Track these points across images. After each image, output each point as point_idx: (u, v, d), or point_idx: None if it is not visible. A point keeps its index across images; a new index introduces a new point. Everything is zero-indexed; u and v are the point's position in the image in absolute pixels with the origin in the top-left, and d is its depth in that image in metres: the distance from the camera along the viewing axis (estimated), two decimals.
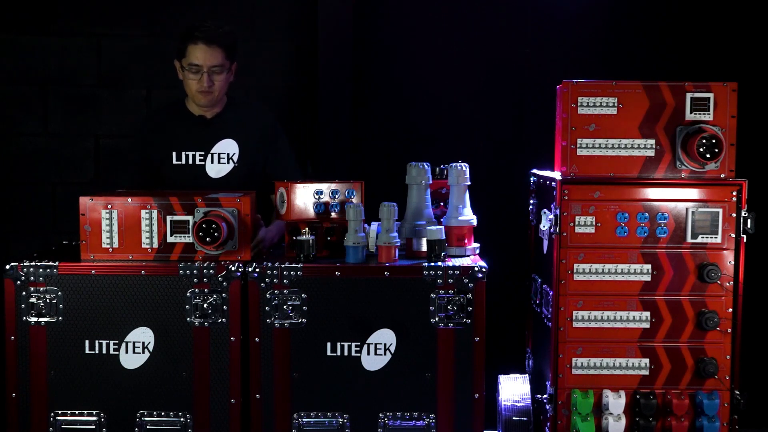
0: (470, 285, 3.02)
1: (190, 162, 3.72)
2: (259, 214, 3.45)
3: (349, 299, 3.04)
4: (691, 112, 3.07)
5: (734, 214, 3.05)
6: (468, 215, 3.27)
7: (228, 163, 3.73)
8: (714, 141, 3.00)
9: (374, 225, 3.24)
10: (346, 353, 3.05)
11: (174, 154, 3.72)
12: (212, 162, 3.72)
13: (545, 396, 3.15)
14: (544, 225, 3.13)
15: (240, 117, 3.80)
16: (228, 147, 3.73)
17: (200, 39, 3.61)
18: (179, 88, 4.64)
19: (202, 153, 3.72)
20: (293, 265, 3.05)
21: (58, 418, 3.06)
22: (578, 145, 3.08)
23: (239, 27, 4.41)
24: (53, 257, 3.14)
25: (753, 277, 3.38)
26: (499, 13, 4.63)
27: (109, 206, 3.12)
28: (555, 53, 4.62)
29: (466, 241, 3.25)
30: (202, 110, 3.76)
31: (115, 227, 3.12)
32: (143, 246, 3.12)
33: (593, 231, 3.07)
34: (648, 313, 3.07)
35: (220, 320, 3.05)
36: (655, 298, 3.07)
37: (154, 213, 3.12)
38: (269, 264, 3.05)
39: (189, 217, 3.11)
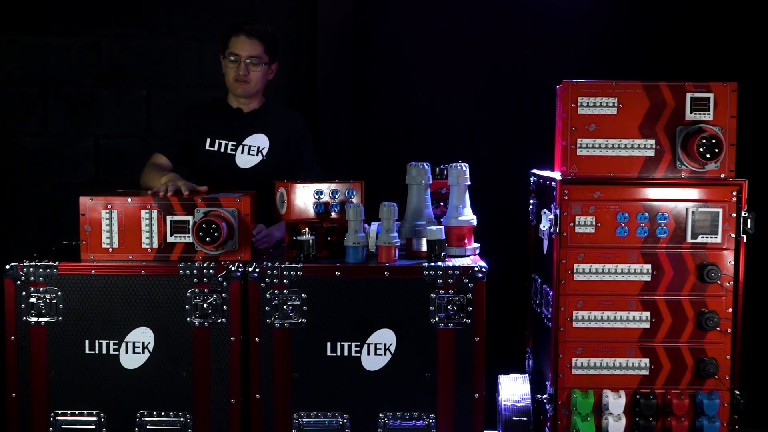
0: (470, 285, 3.02)
1: (222, 150, 3.85)
2: (262, 224, 3.48)
3: (349, 299, 3.04)
4: (691, 112, 3.07)
5: (734, 214, 3.05)
6: (468, 215, 3.27)
7: (257, 155, 3.86)
8: (714, 141, 3.01)
9: (374, 225, 3.24)
10: (346, 353, 3.05)
11: (208, 140, 3.85)
12: (242, 153, 3.85)
13: (545, 396, 3.15)
14: (544, 225, 3.13)
15: (274, 115, 3.94)
16: (259, 141, 3.87)
17: (242, 31, 3.82)
18: (179, 88, 4.66)
19: (234, 143, 3.86)
20: (293, 265, 3.05)
21: (58, 418, 3.06)
22: (578, 145, 3.08)
23: None
24: (53, 257, 3.14)
25: (753, 277, 3.38)
26: (499, 13, 4.63)
27: (109, 206, 3.12)
28: (555, 53, 4.62)
29: (466, 241, 3.25)
30: (239, 103, 3.90)
31: (115, 227, 3.13)
32: (143, 246, 3.12)
33: (593, 231, 3.07)
34: (648, 313, 3.07)
35: (220, 320, 3.05)
36: (655, 298, 3.07)
37: (154, 213, 3.13)
38: (269, 264, 3.05)
39: (189, 217, 3.12)
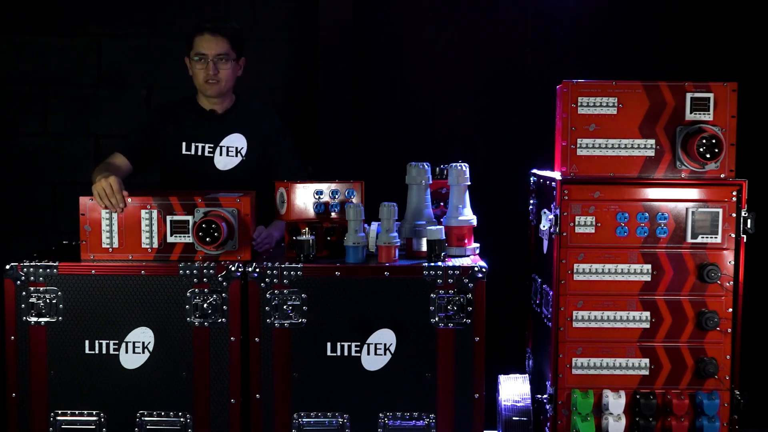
0: (470, 285, 3.02)
1: (199, 153, 3.78)
2: (262, 225, 3.47)
3: (349, 299, 3.04)
4: (691, 112, 3.07)
5: (734, 214, 3.05)
6: (468, 215, 3.27)
7: (236, 156, 3.79)
8: (714, 141, 3.01)
9: (374, 225, 3.24)
10: (346, 353, 3.05)
11: (184, 144, 3.78)
12: (221, 154, 3.79)
13: (545, 396, 3.15)
14: (544, 225, 3.13)
15: (249, 114, 3.87)
16: (237, 141, 3.80)
17: (206, 30, 3.73)
18: (179, 88, 4.64)
19: (212, 145, 3.79)
20: (293, 265, 3.05)
21: (58, 418, 3.06)
22: (578, 145, 3.08)
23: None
24: (53, 257, 3.14)
25: (753, 277, 3.38)
26: (499, 13, 4.63)
27: None
28: (555, 53, 4.62)
29: (466, 241, 3.25)
30: (212, 104, 3.82)
31: (115, 227, 3.13)
32: (143, 246, 3.12)
33: (593, 231, 3.07)
34: (648, 313, 3.07)
35: (220, 320, 3.05)
36: (655, 298, 3.07)
37: (154, 213, 3.13)
38: (269, 264, 3.05)
39: (189, 217, 3.12)
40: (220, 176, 3.77)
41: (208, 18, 3.78)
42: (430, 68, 4.64)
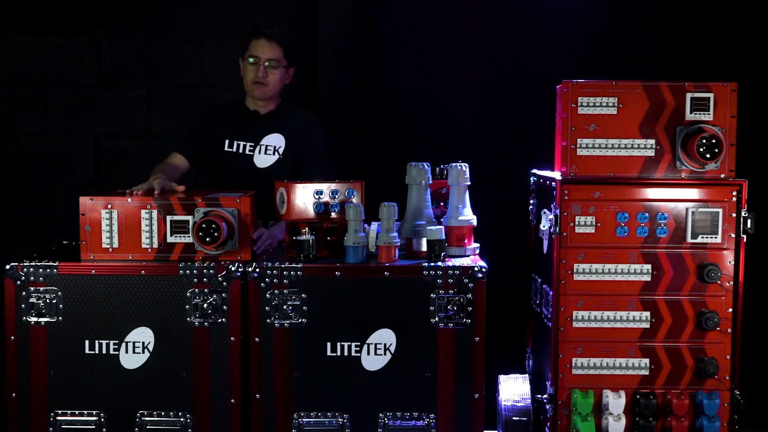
0: (470, 285, 3.02)
1: (240, 151, 3.92)
2: (263, 227, 3.49)
3: (349, 299, 3.04)
4: (691, 112, 3.07)
5: (734, 214, 3.05)
6: (468, 215, 3.27)
7: (274, 154, 3.92)
8: (714, 141, 3.01)
9: (374, 225, 3.24)
10: (346, 353, 3.05)
11: (227, 141, 3.93)
12: (260, 153, 3.93)
13: (545, 396, 3.15)
14: (544, 225, 3.13)
15: (289, 116, 4.01)
16: (276, 140, 3.94)
17: (262, 35, 3.89)
18: (180, 88, 4.66)
19: (252, 144, 3.93)
20: (293, 265, 3.05)
21: (58, 418, 3.06)
22: (578, 145, 3.08)
23: (238, 27, 4.42)
24: (53, 257, 3.14)
25: (753, 277, 3.38)
26: (499, 13, 4.63)
27: (109, 206, 3.12)
28: (555, 53, 4.62)
29: (466, 241, 3.25)
30: (257, 105, 3.97)
31: (115, 227, 3.13)
32: (143, 246, 3.13)
33: (593, 231, 3.07)
34: (648, 313, 3.07)
35: (220, 320, 3.05)
36: (655, 298, 3.07)
37: (154, 213, 3.13)
38: (269, 264, 3.05)
39: (189, 217, 3.12)
40: (258, 174, 3.89)
41: (266, 25, 3.94)
42: (430, 68, 4.64)
